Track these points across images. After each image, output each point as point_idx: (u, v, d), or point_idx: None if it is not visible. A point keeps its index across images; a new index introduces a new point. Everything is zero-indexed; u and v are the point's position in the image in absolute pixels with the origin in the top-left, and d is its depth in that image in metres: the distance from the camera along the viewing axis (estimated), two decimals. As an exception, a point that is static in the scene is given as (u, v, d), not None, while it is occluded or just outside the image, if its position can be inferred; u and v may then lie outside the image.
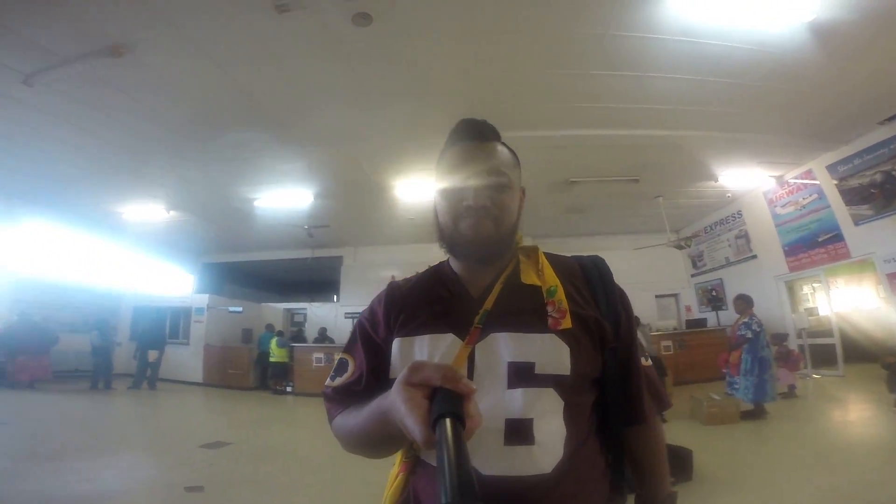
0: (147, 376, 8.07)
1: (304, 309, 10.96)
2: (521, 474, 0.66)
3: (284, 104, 4.33)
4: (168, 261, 10.29)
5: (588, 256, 0.84)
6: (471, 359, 0.71)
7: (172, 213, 7.74)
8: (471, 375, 0.70)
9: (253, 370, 8.87)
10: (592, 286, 0.78)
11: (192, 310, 9.58)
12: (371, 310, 0.85)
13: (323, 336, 8.99)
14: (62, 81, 3.80)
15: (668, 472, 0.84)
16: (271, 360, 8.38)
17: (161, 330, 9.01)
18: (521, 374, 0.69)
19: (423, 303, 0.79)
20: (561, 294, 0.74)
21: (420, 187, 6.30)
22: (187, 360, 9.19)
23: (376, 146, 5.31)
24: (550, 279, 0.76)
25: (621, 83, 4.09)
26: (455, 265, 0.82)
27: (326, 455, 3.84)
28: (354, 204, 7.37)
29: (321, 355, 7.99)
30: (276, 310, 11.09)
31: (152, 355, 8.13)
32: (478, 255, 0.77)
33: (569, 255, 0.86)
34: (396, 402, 0.49)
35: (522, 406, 0.68)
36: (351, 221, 8.38)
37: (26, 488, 3.00)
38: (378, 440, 0.64)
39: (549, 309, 0.72)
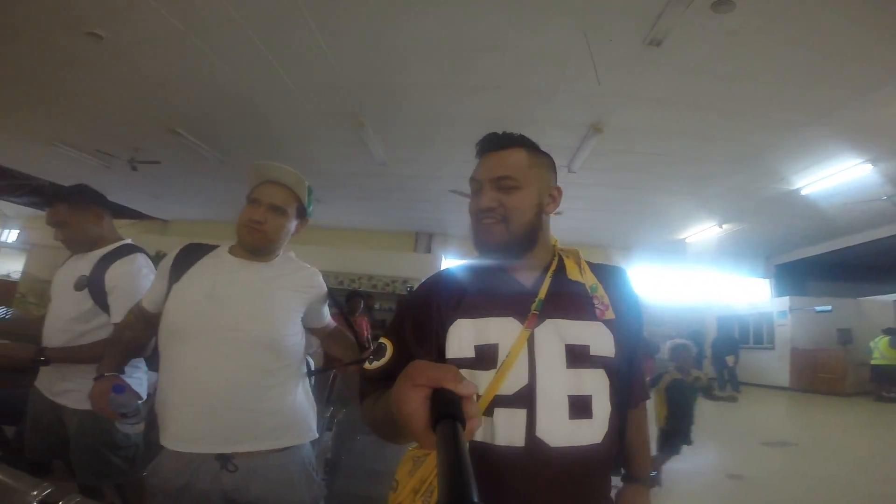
0: (727, 379, 8.69)
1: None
2: (581, 444, 0.75)
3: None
4: (735, 271, 10.75)
5: (617, 267, 0.95)
6: (530, 342, 0.78)
7: (725, 226, 8.29)
8: (532, 356, 0.78)
9: (852, 374, 7.73)
10: (622, 289, 0.89)
11: (773, 314, 9.46)
12: (422, 294, 0.90)
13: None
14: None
15: (650, 455, 0.94)
16: (874, 362, 7.25)
17: (733, 336, 9.45)
18: (578, 356, 0.78)
19: (483, 289, 0.85)
20: (602, 291, 0.85)
21: None
22: (772, 365, 9.16)
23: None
24: (591, 279, 0.87)
25: None
26: (499, 261, 0.88)
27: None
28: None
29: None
30: (881, 303, 8.97)
31: (730, 360, 8.75)
32: (493, 255, 0.86)
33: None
34: (398, 403, 0.50)
35: (582, 384, 0.77)
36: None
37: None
38: (394, 432, 0.65)
39: (595, 301, 0.83)
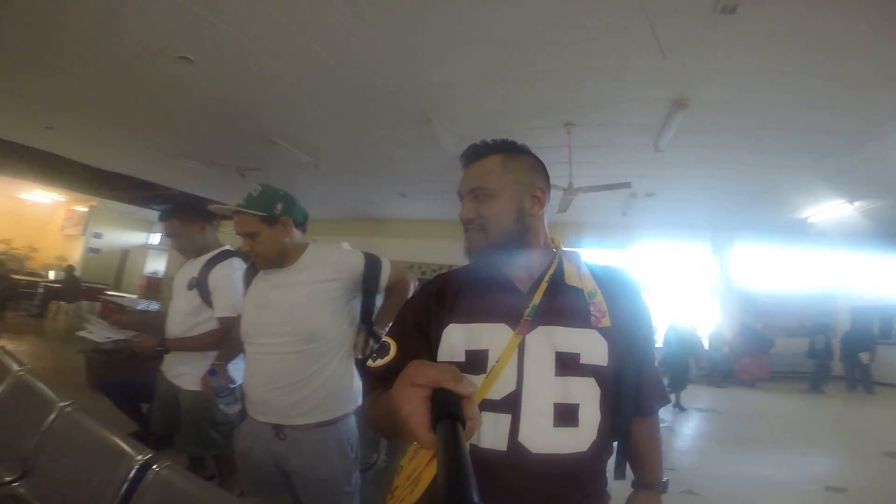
0: (858, 379, 7.51)
1: None
2: (565, 452, 0.75)
3: None
4: (874, 255, 9.15)
5: (621, 268, 0.91)
6: (521, 348, 0.78)
7: (857, 203, 7.12)
8: (521, 363, 0.77)
9: None
10: (625, 292, 0.87)
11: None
12: (422, 296, 0.91)
13: None
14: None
15: (662, 461, 0.91)
16: None
17: (869, 330, 8.07)
18: (568, 364, 0.77)
19: (477, 294, 0.85)
20: (600, 297, 0.83)
21: None
22: (919, 364, 7.59)
23: None
24: (590, 284, 0.85)
25: None
26: (497, 266, 0.88)
27: None
28: None
29: None
30: None
31: (864, 357, 7.49)
32: (478, 261, 0.87)
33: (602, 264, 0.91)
34: (398, 403, 0.50)
35: (570, 392, 0.77)
36: None
37: (709, 459, 3.89)
38: (394, 431, 0.65)
39: (591, 308, 0.81)
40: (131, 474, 1.21)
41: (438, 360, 0.81)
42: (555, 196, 5.86)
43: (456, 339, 0.81)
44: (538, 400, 0.76)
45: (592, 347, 0.79)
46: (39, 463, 1.53)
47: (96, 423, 1.54)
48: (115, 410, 2.76)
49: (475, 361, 0.79)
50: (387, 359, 0.82)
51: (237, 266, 2.05)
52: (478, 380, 0.77)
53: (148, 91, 4.76)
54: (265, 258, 1.46)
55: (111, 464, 1.28)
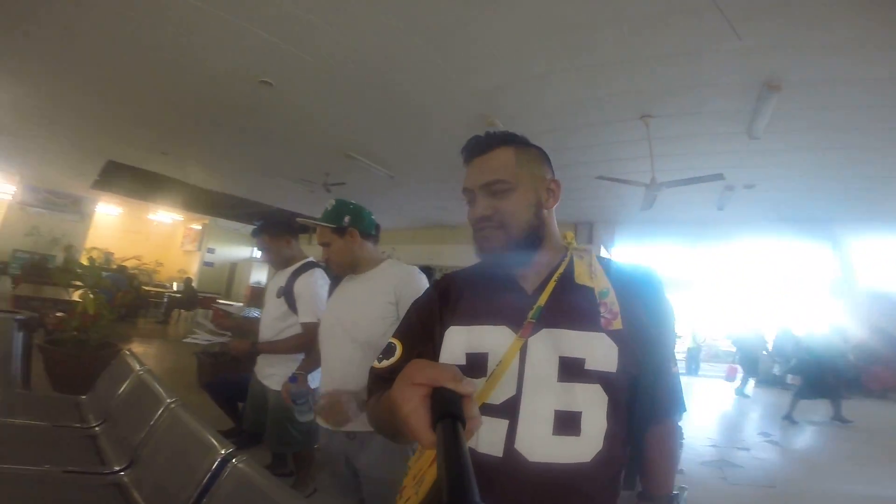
0: None
1: None
2: (564, 462, 0.70)
3: None
4: None
5: (642, 267, 0.83)
6: (523, 352, 0.73)
7: None
8: (522, 368, 0.73)
9: None
10: (643, 293, 0.79)
11: None
12: (427, 297, 0.88)
13: None
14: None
15: (675, 473, 0.84)
16: None
17: None
18: (572, 369, 0.72)
19: (480, 295, 0.81)
20: (613, 297, 0.76)
21: None
22: None
23: None
24: (603, 282, 0.78)
25: None
26: (504, 264, 0.82)
27: None
28: None
29: None
30: None
31: None
32: (497, 262, 0.82)
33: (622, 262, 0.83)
34: (398, 402, 0.49)
35: (572, 399, 0.72)
36: None
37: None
38: (396, 431, 0.63)
39: (602, 310, 0.75)
40: (213, 466, 1.35)
41: (440, 361, 0.79)
42: (637, 192, 5.55)
43: (456, 342, 0.79)
44: (538, 406, 0.72)
45: (600, 352, 0.73)
46: (144, 454, 1.75)
47: (193, 419, 1.74)
48: (216, 408, 3.08)
49: (475, 365, 0.76)
50: (392, 360, 0.81)
51: (319, 275, 2.28)
52: (478, 384, 0.74)
53: (238, 115, 5.31)
54: (338, 265, 1.59)
55: (199, 456, 1.44)
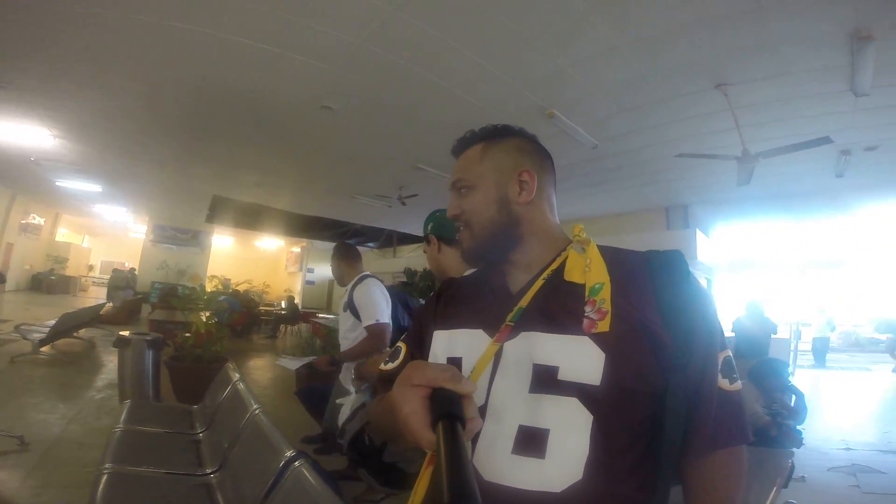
0: None
1: None
2: (524, 487, 0.59)
3: None
4: None
5: (664, 252, 0.68)
6: (497, 357, 0.66)
7: None
8: (494, 374, 0.65)
9: None
10: (657, 287, 0.64)
11: None
12: (429, 300, 0.87)
13: None
14: None
15: None
16: None
17: None
18: (544, 379, 0.62)
19: (465, 298, 0.78)
20: (606, 293, 0.64)
21: None
22: None
23: None
24: (598, 276, 0.66)
25: None
26: (500, 264, 0.78)
27: None
28: None
29: None
30: None
31: None
32: (473, 264, 0.80)
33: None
34: (398, 403, 0.49)
35: (539, 414, 0.61)
36: None
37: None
38: (396, 432, 0.59)
39: (588, 309, 0.63)
40: (279, 468, 1.44)
41: None
42: (731, 167, 4.98)
43: (439, 346, 0.76)
44: (501, 419, 0.63)
45: (579, 359, 0.61)
46: (231, 457, 1.93)
47: (269, 424, 1.88)
48: (305, 414, 3.31)
49: None
50: (397, 362, 0.81)
51: (372, 283, 2.49)
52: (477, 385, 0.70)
53: (312, 141, 5.75)
54: (435, 273, 1.64)
55: (269, 459, 1.55)
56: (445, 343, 0.75)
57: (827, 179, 6.48)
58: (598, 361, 0.60)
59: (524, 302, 0.69)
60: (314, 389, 3.33)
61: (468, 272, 0.86)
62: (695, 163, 5.20)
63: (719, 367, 0.64)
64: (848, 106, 4.11)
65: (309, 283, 17.06)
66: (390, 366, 0.81)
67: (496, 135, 0.81)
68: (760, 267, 8.61)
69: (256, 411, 2.12)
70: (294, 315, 10.79)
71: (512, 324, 0.67)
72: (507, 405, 0.64)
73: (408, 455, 1.72)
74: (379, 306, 2.40)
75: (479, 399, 0.65)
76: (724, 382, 0.63)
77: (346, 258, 2.70)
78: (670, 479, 0.62)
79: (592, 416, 0.60)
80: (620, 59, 3.60)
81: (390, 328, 2.40)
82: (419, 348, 0.81)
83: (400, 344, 0.84)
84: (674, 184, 6.84)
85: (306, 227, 12.66)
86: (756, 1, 2.82)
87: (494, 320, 0.69)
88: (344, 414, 2.00)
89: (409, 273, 9.37)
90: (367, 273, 2.62)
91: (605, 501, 0.59)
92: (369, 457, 2.31)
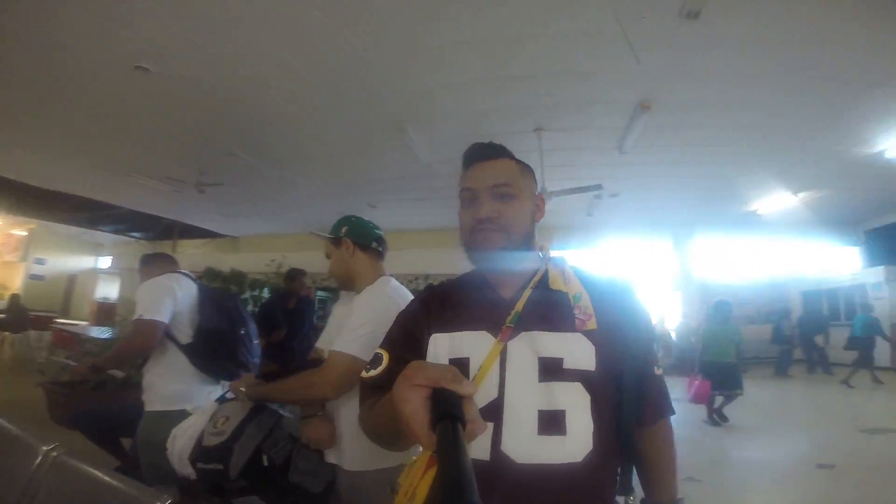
0: (817, 361, 8.16)
1: None
2: (553, 462, 0.71)
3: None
4: (820, 241, 9.78)
5: (615, 277, 0.88)
6: (503, 355, 0.77)
7: (801, 195, 7.58)
8: (503, 370, 0.76)
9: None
10: (616, 299, 0.83)
11: (866, 286, 8.57)
12: (412, 307, 0.93)
13: None
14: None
15: (676, 478, 0.83)
16: None
17: (821, 313, 8.81)
18: (551, 369, 0.75)
19: (461, 303, 0.85)
20: (587, 301, 0.81)
21: None
22: (866, 345, 8.25)
23: None
24: (576, 286, 0.83)
25: None
26: (483, 273, 0.88)
27: None
28: None
29: None
30: None
31: (819, 340, 8.20)
32: (489, 262, 0.85)
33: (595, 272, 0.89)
34: (398, 404, 0.50)
35: (554, 398, 0.73)
36: None
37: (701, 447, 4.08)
38: (394, 436, 0.65)
39: (577, 312, 0.79)
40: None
41: None
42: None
43: (440, 348, 0.81)
44: (521, 407, 0.73)
45: (577, 351, 0.76)
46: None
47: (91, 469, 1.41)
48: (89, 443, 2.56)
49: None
50: (379, 369, 0.82)
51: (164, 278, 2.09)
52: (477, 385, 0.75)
53: (95, 103, 4.52)
54: (336, 278, 1.54)
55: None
56: (448, 345, 0.81)
57: (581, 217, 8.40)
58: (591, 352, 0.76)
59: (519, 306, 0.80)
60: (104, 416, 2.62)
61: (447, 280, 0.94)
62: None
63: (655, 357, 0.85)
64: (613, 159, 5.51)
65: (36, 277, 12.98)
66: (373, 373, 0.83)
67: (515, 157, 0.90)
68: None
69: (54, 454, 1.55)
70: (19, 319, 8.02)
71: (512, 325, 0.78)
72: (522, 395, 0.74)
73: (317, 472, 1.53)
74: (153, 301, 1.96)
75: (492, 393, 0.74)
76: (657, 370, 0.84)
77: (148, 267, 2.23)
78: (633, 447, 0.79)
79: (590, 396, 0.74)
80: (473, 94, 4.03)
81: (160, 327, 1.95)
82: (406, 352, 0.82)
83: (380, 351, 0.86)
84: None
85: (41, 203, 9.51)
86: (584, 63, 3.58)
87: (495, 322, 0.79)
88: (208, 429, 1.59)
89: (212, 273, 8.07)
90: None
91: (606, 465, 0.75)
92: (272, 479, 1.95)
